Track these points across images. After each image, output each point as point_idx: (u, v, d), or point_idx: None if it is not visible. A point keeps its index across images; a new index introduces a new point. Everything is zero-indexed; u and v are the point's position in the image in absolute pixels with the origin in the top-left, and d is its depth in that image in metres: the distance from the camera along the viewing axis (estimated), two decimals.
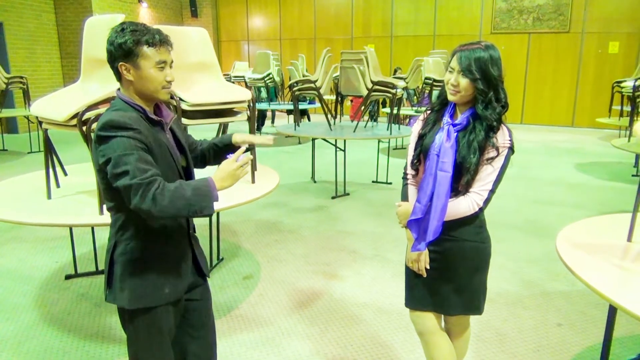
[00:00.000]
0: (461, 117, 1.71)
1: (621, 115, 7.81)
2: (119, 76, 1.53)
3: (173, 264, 1.60)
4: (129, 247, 1.53)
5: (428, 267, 1.82)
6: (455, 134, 1.70)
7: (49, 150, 2.92)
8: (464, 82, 1.65)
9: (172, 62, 1.56)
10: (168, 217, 1.41)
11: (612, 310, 2.03)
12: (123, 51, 1.47)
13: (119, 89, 1.57)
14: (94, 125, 2.45)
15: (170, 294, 1.59)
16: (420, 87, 8.31)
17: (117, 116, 1.43)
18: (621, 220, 2.41)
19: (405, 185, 1.92)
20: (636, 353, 2.42)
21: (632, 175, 6.70)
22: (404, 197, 1.91)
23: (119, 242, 1.55)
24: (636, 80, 6.17)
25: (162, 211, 1.36)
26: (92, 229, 3.62)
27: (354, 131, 5.82)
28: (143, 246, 1.54)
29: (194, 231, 1.76)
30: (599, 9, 11.24)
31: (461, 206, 1.70)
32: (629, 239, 2.20)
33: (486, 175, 1.67)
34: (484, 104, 1.65)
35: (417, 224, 1.77)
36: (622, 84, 7.44)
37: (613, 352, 2.31)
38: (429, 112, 1.86)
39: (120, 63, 1.48)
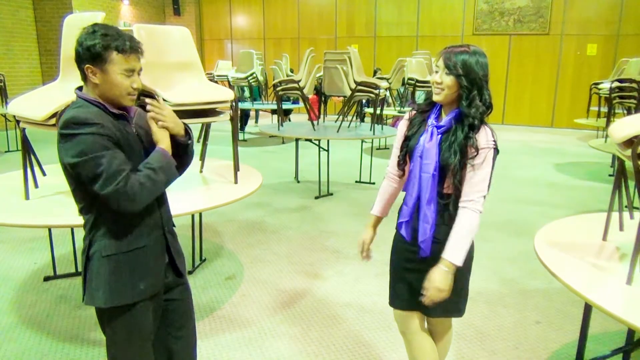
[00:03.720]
0: (445, 119, 1.72)
1: (598, 116, 7.97)
2: (84, 76, 1.50)
3: (147, 260, 1.58)
4: (102, 245, 1.52)
5: (369, 255, 1.97)
6: (439, 135, 1.71)
7: (27, 149, 2.87)
8: (447, 79, 1.66)
9: (140, 69, 1.54)
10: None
11: (588, 308, 2.08)
12: (91, 54, 1.44)
13: (79, 88, 1.55)
14: None
15: (145, 289, 1.57)
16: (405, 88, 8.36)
17: (79, 112, 1.42)
18: (597, 219, 2.47)
19: (384, 179, 1.95)
20: (610, 349, 2.47)
21: (609, 175, 6.84)
22: (380, 191, 1.97)
23: (93, 242, 1.53)
24: (613, 82, 6.31)
25: (143, 204, 1.49)
26: (72, 229, 3.57)
27: (338, 131, 5.84)
28: (116, 243, 1.52)
29: (173, 225, 1.74)
30: (577, 12, 11.47)
31: (469, 222, 1.67)
32: (604, 238, 2.26)
33: (478, 181, 1.66)
34: (467, 101, 1.66)
35: (406, 226, 1.80)
36: (600, 86, 7.59)
37: (589, 348, 2.37)
38: (414, 112, 1.87)
39: (87, 65, 1.46)
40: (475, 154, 1.66)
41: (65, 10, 10.75)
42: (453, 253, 1.66)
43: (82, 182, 1.44)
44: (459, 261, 1.66)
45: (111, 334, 1.59)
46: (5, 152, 8.25)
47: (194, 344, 1.83)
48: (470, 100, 1.66)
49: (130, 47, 1.48)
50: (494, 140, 1.69)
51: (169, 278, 1.69)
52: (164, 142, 1.56)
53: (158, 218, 1.64)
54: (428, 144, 1.71)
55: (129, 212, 1.46)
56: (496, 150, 1.70)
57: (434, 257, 1.76)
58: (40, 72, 11.38)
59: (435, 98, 1.73)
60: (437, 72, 1.71)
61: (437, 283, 1.67)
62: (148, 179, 1.46)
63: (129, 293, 1.54)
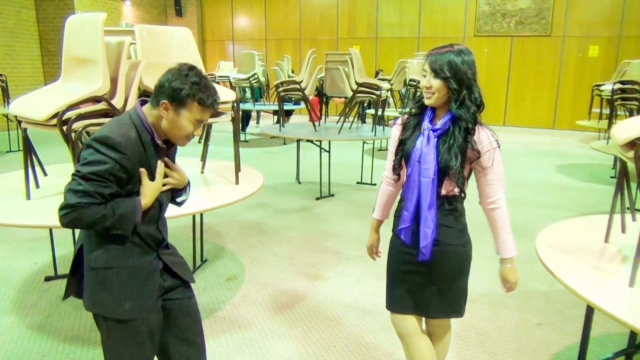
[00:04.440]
0: (440, 122, 1.71)
1: (600, 118, 7.96)
2: (156, 104, 1.52)
3: (135, 281, 1.56)
4: (92, 255, 1.53)
5: (379, 255, 2.03)
6: (436, 139, 1.71)
7: (28, 150, 2.87)
8: (436, 83, 1.66)
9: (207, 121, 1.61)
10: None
11: (590, 310, 2.07)
12: (174, 94, 1.48)
13: (142, 101, 1.57)
14: (75, 125, 2.43)
15: (131, 311, 1.55)
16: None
17: (117, 134, 1.45)
18: (599, 221, 2.47)
19: (381, 183, 1.95)
20: (612, 352, 2.46)
21: (611, 177, 6.83)
22: (379, 196, 1.98)
23: (85, 247, 1.56)
24: (614, 83, 6.30)
25: (76, 227, 1.47)
26: (73, 230, 3.56)
27: (339, 132, 5.84)
28: (106, 256, 1.52)
29: (167, 247, 1.71)
30: (579, 14, 11.46)
31: (505, 217, 1.80)
32: (606, 240, 2.26)
33: (496, 180, 1.74)
34: (457, 103, 1.66)
35: (407, 231, 1.79)
36: (602, 87, 7.58)
37: (591, 350, 2.36)
38: (406, 116, 1.86)
39: (164, 101, 1.49)
40: (478, 155, 1.66)
41: (67, 10, 10.77)
42: (506, 249, 1.81)
43: None
44: (514, 252, 1.81)
45: (106, 336, 1.60)
46: (7, 152, 8.26)
47: (202, 345, 1.81)
48: (461, 101, 1.66)
49: (211, 103, 1.52)
50: (496, 140, 1.71)
51: (167, 282, 1.69)
52: (145, 199, 1.54)
53: (154, 240, 1.62)
54: (426, 148, 1.70)
55: (61, 223, 1.44)
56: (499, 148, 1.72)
57: (433, 259, 1.76)
58: (42, 72, 11.40)
59: (426, 102, 1.73)
60: (424, 76, 1.71)
61: (512, 279, 1.83)
62: (102, 218, 1.44)
63: (113, 309, 1.54)
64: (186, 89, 1.47)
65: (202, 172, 3.49)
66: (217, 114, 3.07)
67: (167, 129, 1.53)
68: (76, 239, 3.56)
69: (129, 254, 1.54)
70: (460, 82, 1.65)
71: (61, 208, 1.43)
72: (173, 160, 1.69)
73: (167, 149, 1.61)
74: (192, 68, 1.51)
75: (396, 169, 1.85)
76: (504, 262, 1.82)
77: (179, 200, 1.74)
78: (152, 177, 1.55)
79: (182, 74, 1.49)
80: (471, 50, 1.69)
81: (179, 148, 1.72)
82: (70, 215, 1.41)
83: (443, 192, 1.73)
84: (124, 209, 1.48)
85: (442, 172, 1.70)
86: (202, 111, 1.52)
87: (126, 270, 1.54)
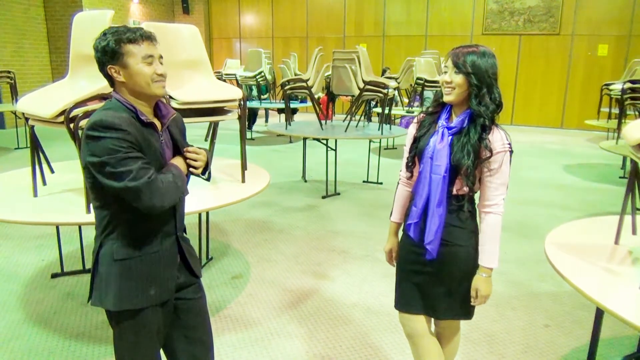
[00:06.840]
0: (456, 120, 1.71)
1: (609, 117, 7.89)
2: (111, 81, 1.53)
3: (159, 266, 1.57)
4: (114, 248, 1.52)
5: (394, 263, 1.99)
6: (450, 137, 1.70)
7: (36, 147, 2.88)
8: (457, 78, 1.65)
9: (160, 56, 1.55)
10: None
11: (599, 313, 2.04)
12: (108, 53, 1.47)
13: (115, 91, 1.56)
14: (82, 123, 2.43)
15: (156, 295, 1.56)
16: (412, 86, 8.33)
17: (107, 116, 1.42)
18: (608, 222, 2.44)
19: (398, 184, 1.94)
20: (622, 355, 2.44)
21: (620, 177, 6.78)
22: (396, 197, 1.96)
23: (104, 243, 1.53)
24: (624, 83, 6.23)
25: (164, 204, 1.47)
26: (79, 227, 3.58)
27: (345, 131, 5.82)
28: (128, 247, 1.52)
29: (184, 232, 1.74)
30: (588, 12, 11.35)
31: (495, 225, 1.73)
32: (616, 242, 2.23)
33: (499, 185, 1.69)
34: (477, 99, 1.65)
35: (415, 227, 1.79)
36: (611, 87, 7.51)
37: (599, 353, 2.34)
38: (422, 115, 1.86)
39: (109, 66, 1.49)
40: (489, 155, 1.64)
41: (75, 8, 10.81)
42: (489, 258, 1.74)
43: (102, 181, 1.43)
44: (495, 264, 1.74)
45: (118, 333, 1.60)
46: (15, 149, 8.31)
47: (210, 345, 1.80)
48: (480, 99, 1.65)
49: (141, 35, 1.50)
50: (509, 143, 1.69)
51: (181, 278, 1.68)
52: (178, 162, 1.59)
53: (172, 224, 1.63)
54: (439, 145, 1.70)
55: (152, 209, 1.43)
56: (511, 152, 1.70)
57: (441, 259, 1.75)
58: (50, 69, 11.45)
59: (446, 98, 1.72)
60: (445, 72, 1.70)
61: (483, 292, 1.75)
62: (172, 181, 1.48)
63: (139, 298, 1.54)
64: (110, 39, 1.46)
65: None
66: (224, 112, 3.07)
67: (133, 87, 1.50)
68: (83, 235, 3.59)
69: (150, 240, 1.55)
70: (481, 79, 1.64)
71: (143, 203, 1.42)
72: (184, 137, 1.70)
73: (163, 125, 1.59)
74: (105, 29, 1.51)
75: (409, 166, 1.86)
76: (482, 271, 1.74)
77: (206, 176, 1.76)
78: (152, 156, 1.51)
79: (100, 37, 1.49)
80: (494, 54, 1.69)
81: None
82: (154, 197, 1.42)
83: (454, 191, 1.72)
84: (173, 169, 1.54)
85: (454, 171, 1.68)
86: (141, 47, 1.49)
87: (150, 257, 1.55)
